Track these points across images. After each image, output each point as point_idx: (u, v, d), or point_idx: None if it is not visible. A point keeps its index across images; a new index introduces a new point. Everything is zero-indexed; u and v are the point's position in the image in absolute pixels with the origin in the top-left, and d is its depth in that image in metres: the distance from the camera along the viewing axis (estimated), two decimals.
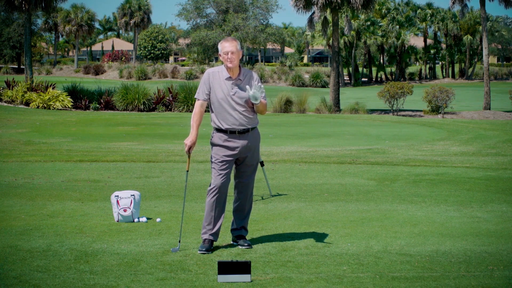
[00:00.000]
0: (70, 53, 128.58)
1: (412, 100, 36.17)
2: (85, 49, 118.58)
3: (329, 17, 40.00)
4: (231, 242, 6.30)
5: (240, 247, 6.15)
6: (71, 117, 25.46)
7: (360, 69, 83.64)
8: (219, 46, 6.09)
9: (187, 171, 6.56)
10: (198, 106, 6.18)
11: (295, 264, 5.61)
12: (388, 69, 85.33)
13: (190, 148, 6.17)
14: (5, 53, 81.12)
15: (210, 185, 6.15)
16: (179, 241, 6.12)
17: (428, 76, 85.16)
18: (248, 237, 6.45)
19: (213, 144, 6.20)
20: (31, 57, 37.35)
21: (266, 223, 7.22)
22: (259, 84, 6.10)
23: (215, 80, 6.10)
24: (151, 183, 10.18)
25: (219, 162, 6.11)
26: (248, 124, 6.13)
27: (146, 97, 29.93)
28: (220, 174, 6.09)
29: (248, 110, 6.12)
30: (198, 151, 14.35)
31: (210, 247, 6.05)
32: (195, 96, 6.25)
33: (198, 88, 6.20)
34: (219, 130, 6.14)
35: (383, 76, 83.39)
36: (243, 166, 6.21)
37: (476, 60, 79.15)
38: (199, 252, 5.96)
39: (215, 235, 6.14)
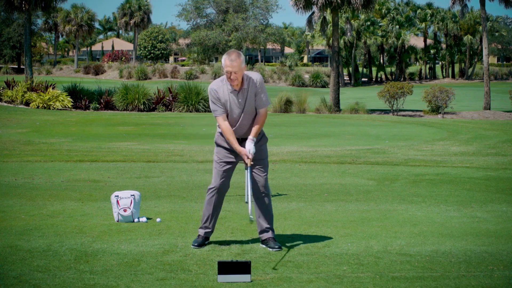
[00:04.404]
0: (70, 53, 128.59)
1: (412, 100, 36.18)
2: (85, 49, 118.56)
3: (329, 17, 40.01)
4: (260, 245, 6.19)
5: (269, 249, 6.04)
6: (71, 117, 25.46)
7: (360, 69, 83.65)
8: (223, 61, 5.92)
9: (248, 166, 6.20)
10: (221, 121, 6.03)
11: (295, 264, 5.60)
12: (388, 69, 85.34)
13: (250, 159, 6.00)
14: (5, 53, 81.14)
15: (210, 184, 6.19)
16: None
17: (428, 76, 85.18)
18: (248, 237, 6.45)
19: (216, 144, 6.23)
20: (31, 57, 37.35)
21: None
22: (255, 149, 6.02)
23: (221, 94, 6.02)
24: (151, 183, 10.18)
25: (220, 162, 6.14)
26: (248, 132, 6.12)
27: (146, 97, 29.95)
28: (220, 175, 6.11)
29: (252, 118, 6.11)
30: (198, 151, 14.36)
31: (203, 242, 6.15)
32: (214, 115, 6.10)
33: (211, 106, 6.08)
34: (223, 134, 6.14)
35: (383, 76, 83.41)
36: (254, 165, 6.18)
37: (476, 60, 79.14)
38: (192, 246, 6.08)
39: (210, 232, 6.26)
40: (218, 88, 6.04)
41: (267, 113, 6.22)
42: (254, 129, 6.10)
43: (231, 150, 6.12)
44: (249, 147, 6.03)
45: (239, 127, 6.09)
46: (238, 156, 6.14)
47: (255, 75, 6.07)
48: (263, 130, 6.34)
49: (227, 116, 6.06)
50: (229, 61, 5.88)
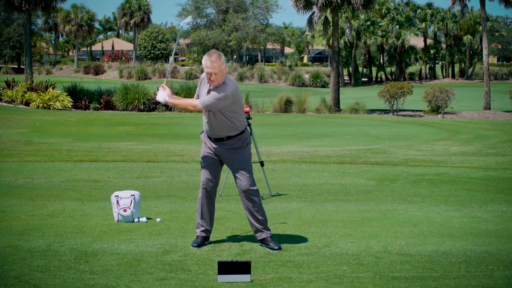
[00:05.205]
0: (70, 53, 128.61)
1: (412, 100, 36.17)
2: (85, 49, 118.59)
3: (329, 17, 40.02)
4: (260, 244, 6.20)
5: (270, 250, 6.04)
6: (71, 117, 25.46)
7: (360, 69, 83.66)
8: (203, 62, 5.93)
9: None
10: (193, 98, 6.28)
11: (295, 264, 5.60)
12: (388, 69, 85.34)
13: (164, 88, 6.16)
14: (5, 53, 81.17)
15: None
16: None
17: (428, 76, 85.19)
18: (248, 237, 6.45)
19: (201, 139, 6.37)
20: (31, 57, 37.35)
21: None
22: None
23: (203, 86, 6.13)
24: (151, 183, 10.18)
25: (202, 157, 6.26)
26: (222, 133, 6.10)
27: (146, 97, 29.94)
28: (204, 171, 6.21)
29: (223, 121, 6.04)
30: (198, 151, 14.33)
31: (202, 242, 6.17)
32: None
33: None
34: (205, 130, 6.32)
35: (383, 76, 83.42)
36: (232, 170, 6.22)
37: (476, 60, 79.14)
38: (191, 246, 6.10)
39: (207, 231, 6.28)
40: (203, 79, 6.14)
41: (192, 106, 6.08)
42: (177, 99, 6.23)
43: (207, 147, 6.20)
44: (160, 94, 6.10)
45: (210, 126, 6.12)
46: (213, 153, 6.19)
47: (229, 87, 5.97)
48: (246, 132, 6.26)
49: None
50: (210, 62, 5.88)
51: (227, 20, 68.01)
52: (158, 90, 6.23)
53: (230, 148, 6.12)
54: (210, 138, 6.19)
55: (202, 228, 6.27)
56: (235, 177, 6.18)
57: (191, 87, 30.09)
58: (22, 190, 9.22)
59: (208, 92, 6.00)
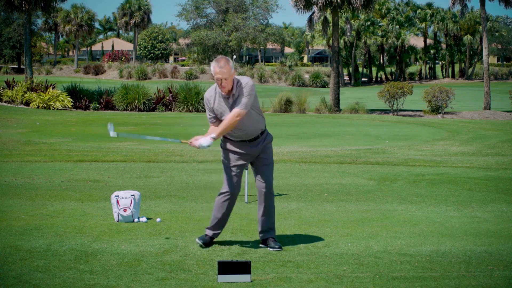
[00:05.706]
0: (70, 53, 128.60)
1: (412, 100, 36.18)
2: (85, 49, 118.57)
3: (329, 17, 40.02)
4: (260, 246, 6.18)
5: (270, 249, 6.04)
6: (71, 117, 25.47)
7: (360, 69, 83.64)
8: (212, 68, 5.89)
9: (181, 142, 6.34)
10: (211, 127, 6.13)
11: (295, 264, 5.60)
12: (388, 69, 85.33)
13: (190, 143, 6.00)
14: (5, 53, 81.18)
15: (222, 188, 6.16)
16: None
17: (428, 76, 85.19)
18: (248, 237, 6.45)
19: (223, 148, 6.19)
20: (31, 57, 37.36)
21: None
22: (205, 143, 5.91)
23: (213, 101, 6.04)
24: (151, 183, 10.18)
25: (231, 167, 6.11)
26: (257, 130, 6.07)
27: (146, 97, 29.96)
28: (233, 179, 6.11)
29: (255, 116, 6.03)
30: (198, 151, 14.35)
31: (209, 241, 6.16)
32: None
33: (206, 112, 6.17)
34: (227, 139, 6.14)
35: (383, 76, 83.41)
36: (259, 165, 6.16)
37: (476, 60, 79.12)
38: (197, 240, 6.13)
39: (217, 234, 6.25)
40: (210, 98, 6.05)
41: (237, 117, 5.87)
42: (217, 128, 5.97)
43: (241, 154, 6.10)
44: (202, 142, 5.90)
45: (245, 128, 6.03)
46: (247, 158, 6.12)
47: (244, 79, 5.98)
48: (266, 129, 6.28)
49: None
50: (219, 68, 5.84)
51: (227, 20, 68.00)
52: (194, 145, 5.94)
53: (264, 143, 6.11)
54: (241, 142, 6.07)
55: (216, 232, 6.21)
56: (261, 174, 6.12)
57: (191, 87, 30.09)
58: (22, 190, 9.22)
59: (228, 101, 5.91)
